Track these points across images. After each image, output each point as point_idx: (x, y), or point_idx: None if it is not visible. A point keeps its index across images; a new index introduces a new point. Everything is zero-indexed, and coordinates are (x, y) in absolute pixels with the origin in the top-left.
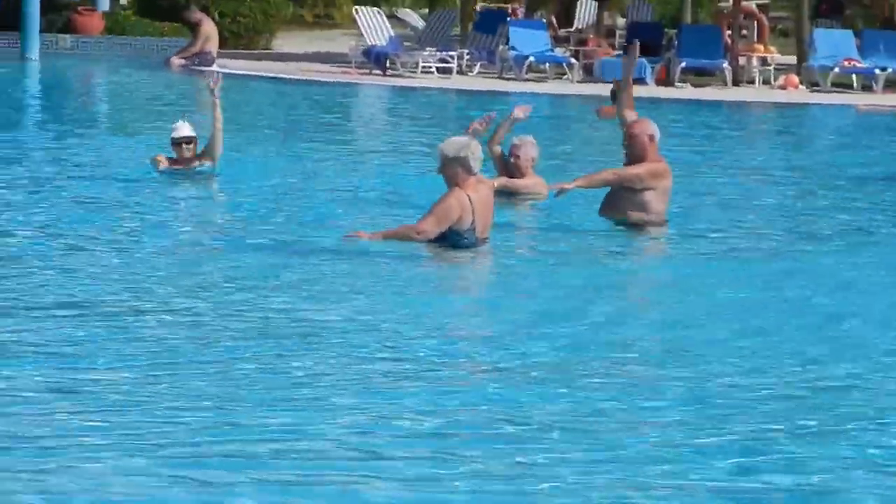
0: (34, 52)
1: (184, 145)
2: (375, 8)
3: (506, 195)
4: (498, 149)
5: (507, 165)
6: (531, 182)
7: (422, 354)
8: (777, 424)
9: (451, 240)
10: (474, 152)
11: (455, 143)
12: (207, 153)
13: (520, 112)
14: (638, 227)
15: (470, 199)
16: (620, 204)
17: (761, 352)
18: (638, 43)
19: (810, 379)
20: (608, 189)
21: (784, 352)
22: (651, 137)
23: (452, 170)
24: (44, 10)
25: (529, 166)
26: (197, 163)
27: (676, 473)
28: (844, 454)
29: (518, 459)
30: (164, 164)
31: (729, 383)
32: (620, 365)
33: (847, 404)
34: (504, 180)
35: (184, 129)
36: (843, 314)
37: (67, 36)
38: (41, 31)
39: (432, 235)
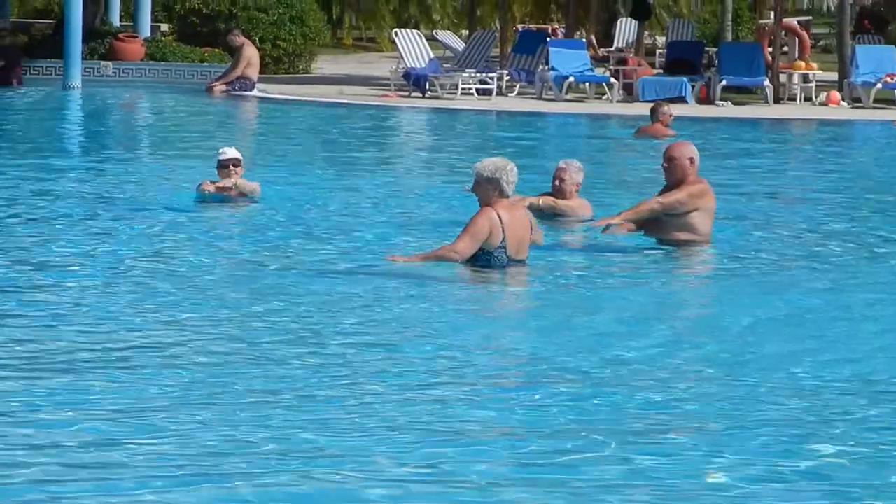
0: (77, 80)
1: (231, 167)
2: (415, 31)
3: (550, 217)
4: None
5: (551, 192)
6: (575, 204)
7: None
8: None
9: (482, 260)
10: (509, 175)
11: (491, 164)
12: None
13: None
14: (681, 246)
15: (500, 218)
16: (664, 225)
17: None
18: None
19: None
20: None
21: (842, 374)
22: (691, 160)
23: (486, 190)
24: (86, 38)
25: (574, 191)
26: (248, 187)
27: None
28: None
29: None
30: (209, 188)
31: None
32: (662, 380)
33: None
34: (550, 199)
35: (230, 151)
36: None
37: (109, 63)
38: (83, 58)
39: (469, 254)
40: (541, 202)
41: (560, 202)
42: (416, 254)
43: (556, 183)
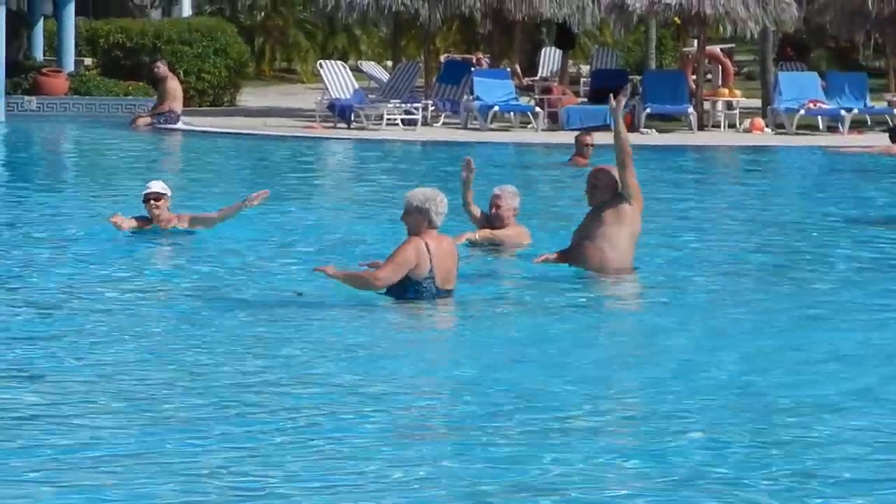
0: (0, 114)
1: (151, 202)
2: (339, 62)
3: (489, 246)
4: (476, 209)
5: (489, 217)
6: (513, 233)
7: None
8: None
9: (410, 291)
10: (439, 206)
11: (421, 194)
12: (199, 221)
13: (464, 172)
14: (609, 274)
15: (428, 248)
16: (591, 251)
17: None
18: (628, 88)
19: None
20: (580, 238)
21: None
22: (615, 185)
23: (415, 219)
24: (9, 72)
25: (511, 216)
26: (175, 221)
27: None
28: None
29: None
30: (125, 225)
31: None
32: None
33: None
34: (486, 232)
35: (154, 185)
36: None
37: (33, 97)
38: (7, 92)
39: (390, 282)
40: (478, 236)
41: (498, 232)
42: (342, 270)
43: (493, 210)
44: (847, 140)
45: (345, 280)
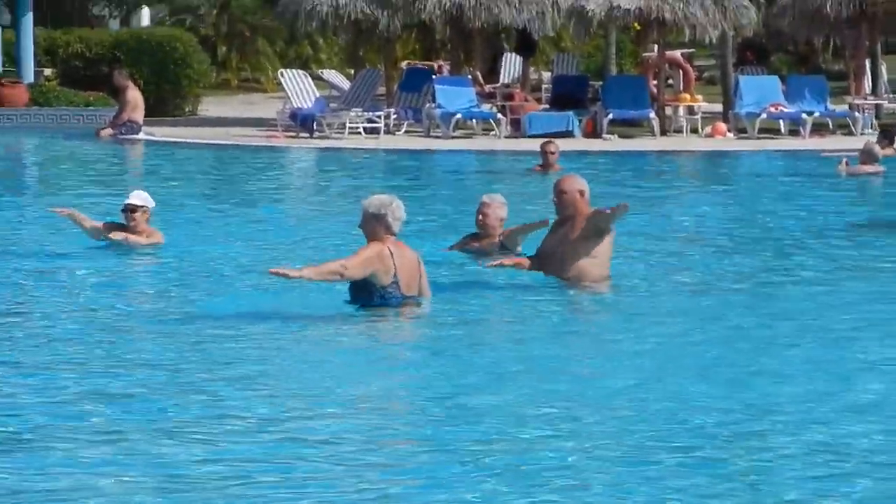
0: None
1: (129, 212)
2: (301, 70)
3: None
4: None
5: (476, 225)
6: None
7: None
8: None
9: (376, 299)
10: (395, 212)
11: (377, 200)
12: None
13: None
14: (582, 281)
15: (392, 254)
16: (567, 259)
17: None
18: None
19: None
20: (555, 248)
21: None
22: (581, 192)
23: (372, 226)
24: None
25: (498, 226)
26: (151, 236)
27: None
28: None
29: None
30: (86, 224)
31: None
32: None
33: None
34: (461, 247)
35: (132, 196)
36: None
37: None
38: None
39: (357, 275)
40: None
41: (472, 245)
42: (305, 266)
43: (480, 218)
44: (808, 144)
45: (310, 276)
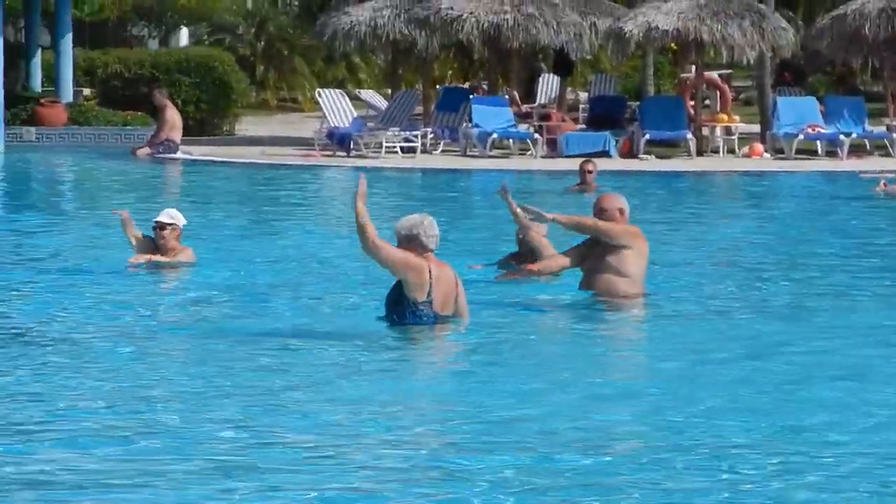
0: None
1: (158, 230)
2: (338, 90)
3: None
4: (528, 226)
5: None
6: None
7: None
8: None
9: (409, 316)
10: (427, 230)
11: (408, 222)
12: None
13: (504, 193)
14: (617, 298)
15: (430, 272)
16: (601, 274)
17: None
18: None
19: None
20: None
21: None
22: (621, 211)
23: (408, 247)
24: (7, 104)
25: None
26: (179, 253)
27: None
28: None
29: None
30: (130, 232)
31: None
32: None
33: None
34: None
35: (162, 214)
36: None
37: (32, 128)
38: (5, 123)
39: (382, 255)
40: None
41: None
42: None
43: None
44: (846, 165)
45: (359, 213)
